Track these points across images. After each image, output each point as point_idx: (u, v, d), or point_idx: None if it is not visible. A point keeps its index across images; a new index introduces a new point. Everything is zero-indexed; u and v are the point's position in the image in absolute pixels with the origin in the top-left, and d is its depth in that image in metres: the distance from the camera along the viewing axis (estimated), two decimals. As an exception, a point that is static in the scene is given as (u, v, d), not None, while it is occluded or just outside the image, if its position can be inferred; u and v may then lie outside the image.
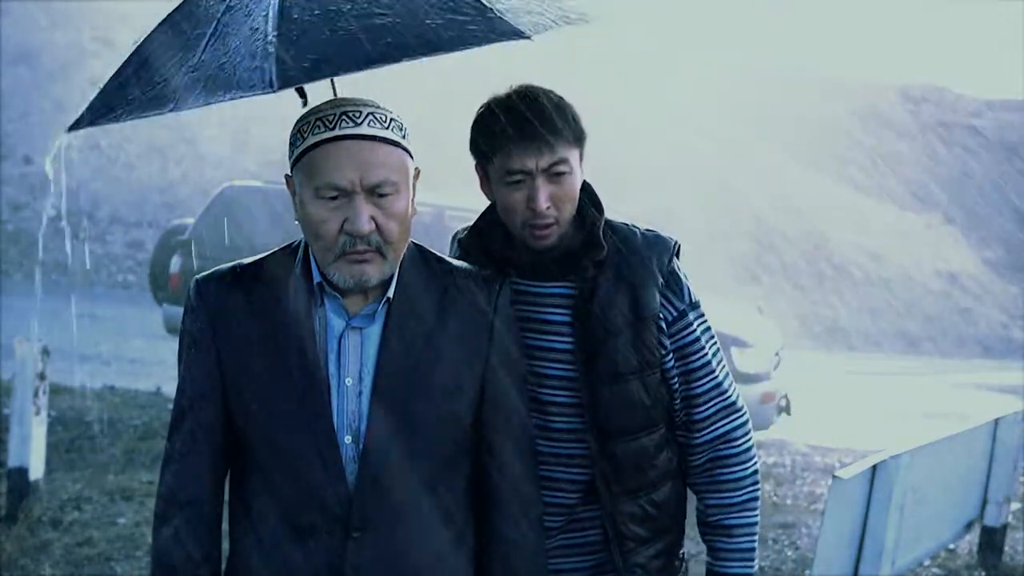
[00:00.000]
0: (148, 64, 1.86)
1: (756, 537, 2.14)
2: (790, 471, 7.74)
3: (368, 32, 1.69)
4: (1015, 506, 5.68)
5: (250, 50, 1.70)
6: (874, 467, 3.71)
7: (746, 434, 2.12)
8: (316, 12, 1.72)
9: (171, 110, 1.75)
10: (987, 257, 25.57)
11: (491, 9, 1.77)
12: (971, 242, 26.00)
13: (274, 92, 1.64)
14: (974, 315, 22.23)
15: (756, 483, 2.13)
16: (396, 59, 1.68)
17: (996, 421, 5.31)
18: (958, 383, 14.13)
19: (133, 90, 1.83)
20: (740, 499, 2.11)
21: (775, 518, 6.26)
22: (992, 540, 5.47)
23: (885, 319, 21.08)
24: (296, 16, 1.71)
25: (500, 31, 1.74)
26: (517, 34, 1.75)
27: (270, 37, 1.69)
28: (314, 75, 1.67)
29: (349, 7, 1.73)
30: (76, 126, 1.91)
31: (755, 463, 2.13)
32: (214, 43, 1.78)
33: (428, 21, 1.72)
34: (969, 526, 5.38)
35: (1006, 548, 5.59)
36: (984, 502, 5.41)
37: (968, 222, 26.95)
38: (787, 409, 7.71)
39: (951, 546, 5.60)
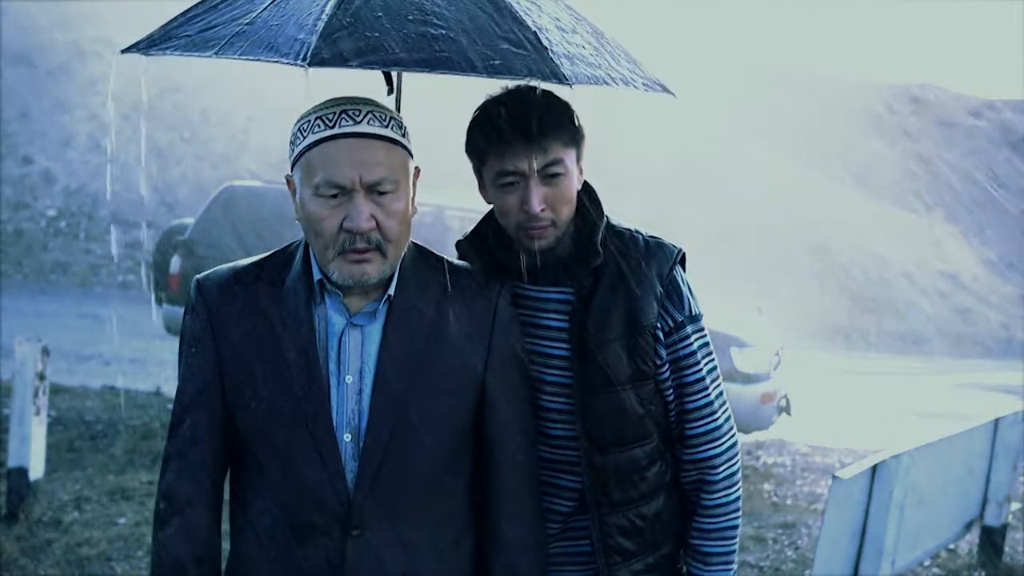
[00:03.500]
0: (215, 8, 1.90)
1: (733, 567, 2.10)
2: (790, 471, 7.73)
3: (416, 39, 1.70)
4: (1015, 506, 5.67)
5: (301, 21, 1.73)
6: (874, 467, 3.71)
7: (728, 460, 2.07)
8: (378, 6, 1.74)
9: (214, 53, 1.78)
10: (987, 257, 25.54)
11: (549, 50, 1.78)
12: (971, 242, 25.97)
13: (304, 67, 1.65)
14: (974, 315, 22.20)
15: (736, 511, 2.09)
16: (429, 70, 1.69)
17: (996, 421, 5.31)
18: (958, 383, 14.11)
19: (190, 28, 1.87)
20: (718, 526, 2.07)
21: (775, 518, 6.26)
22: (992, 540, 5.46)
23: (885, 319, 21.05)
24: (356, 5, 1.74)
25: (542, 72, 1.75)
26: (559, 78, 1.76)
27: (323, 15, 1.71)
28: (347, 63, 1.68)
29: (411, 13, 1.75)
30: (130, 49, 1.93)
31: (737, 490, 2.09)
32: (276, 5, 1.81)
33: (480, 45, 1.73)
34: (969, 526, 5.38)
35: (1006, 548, 5.59)
36: (984, 502, 5.41)
37: (968, 222, 26.91)
38: (787, 409, 7.69)
39: (951, 546, 5.60)
